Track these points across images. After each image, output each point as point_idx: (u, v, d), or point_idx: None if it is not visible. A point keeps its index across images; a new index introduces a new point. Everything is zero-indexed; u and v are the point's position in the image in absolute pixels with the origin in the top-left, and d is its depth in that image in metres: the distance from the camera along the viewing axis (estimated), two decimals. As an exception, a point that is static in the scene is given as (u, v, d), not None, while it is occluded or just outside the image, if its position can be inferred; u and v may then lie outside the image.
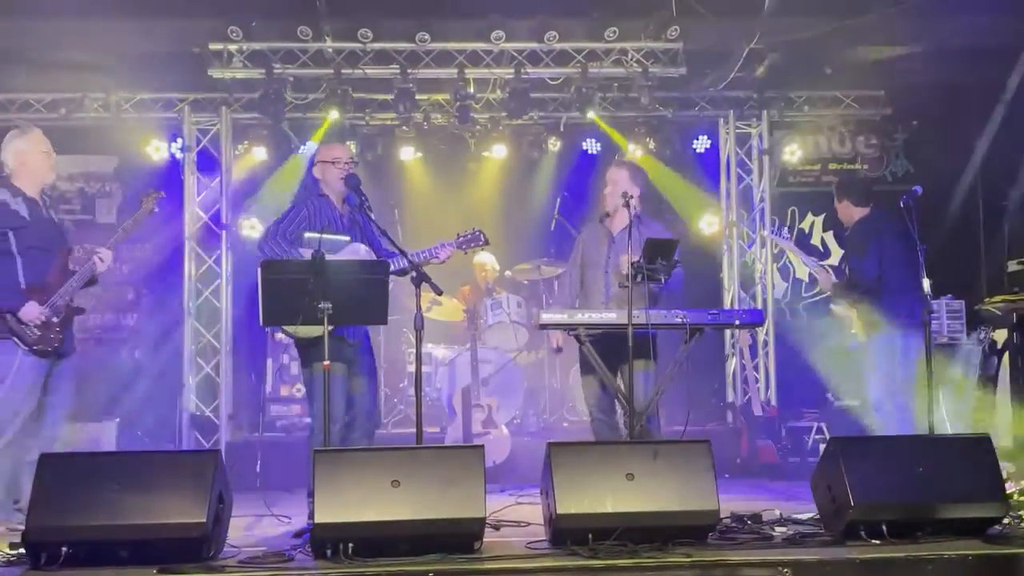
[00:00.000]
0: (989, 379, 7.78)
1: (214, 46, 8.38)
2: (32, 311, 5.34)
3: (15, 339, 5.33)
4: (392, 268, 5.38)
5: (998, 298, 7.54)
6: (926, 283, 5.72)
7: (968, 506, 4.58)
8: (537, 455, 4.80)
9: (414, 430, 4.96)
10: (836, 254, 9.84)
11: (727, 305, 9.52)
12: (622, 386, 5.67)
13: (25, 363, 5.35)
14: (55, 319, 5.43)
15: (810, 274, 10.18)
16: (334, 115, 8.79)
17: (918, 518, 4.54)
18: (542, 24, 8.41)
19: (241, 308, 9.10)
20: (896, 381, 6.31)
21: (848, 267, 6.63)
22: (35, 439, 5.35)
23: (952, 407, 7.17)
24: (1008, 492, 5.00)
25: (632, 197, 5.77)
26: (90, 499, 4.23)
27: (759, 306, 9.43)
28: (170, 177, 9.15)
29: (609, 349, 5.64)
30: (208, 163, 9.29)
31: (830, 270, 6.92)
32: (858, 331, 6.64)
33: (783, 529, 4.87)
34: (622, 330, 5.34)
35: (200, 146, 9.28)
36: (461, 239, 5.90)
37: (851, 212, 6.66)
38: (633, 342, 5.32)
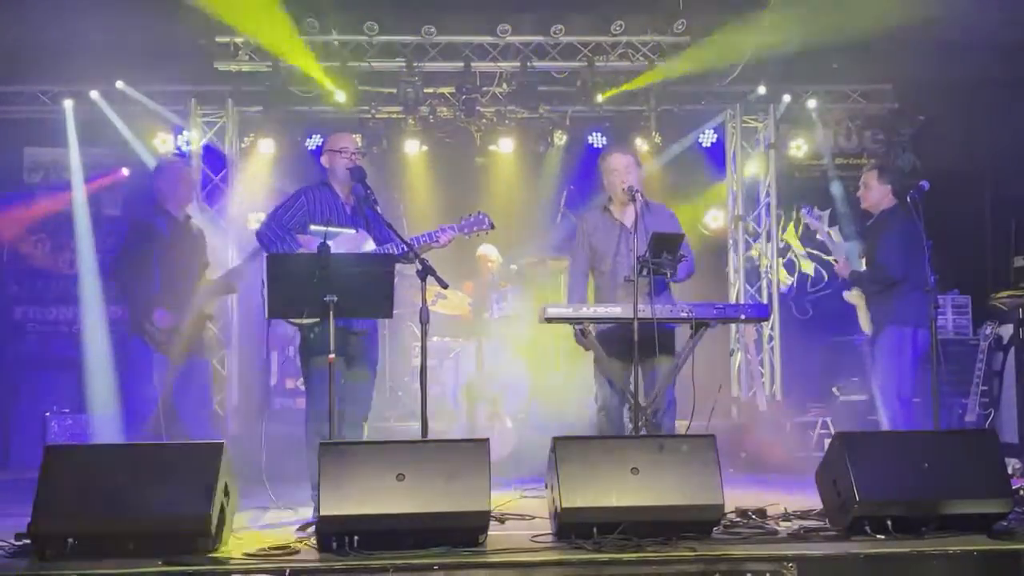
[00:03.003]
0: (995, 375, 7.77)
1: (220, 39, 8.39)
2: (161, 318, 6.09)
3: (145, 338, 6.11)
4: (395, 253, 5.40)
5: (1004, 293, 7.53)
6: (932, 278, 5.71)
7: (973, 502, 4.57)
8: (542, 449, 4.80)
9: (419, 424, 4.96)
10: (842, 248, 9.81)
11: (733, 299, 9.51)
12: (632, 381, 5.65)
13: (155, 359, 6.11)
14: (184, 323, 6.16)
15: (816, 268, 10.18)
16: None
17: (923, 514, 4.53)
18: (548, 18, 8.42)
19: (246, 301, 9.10)
20: (902, 376, 6.30)
21: (870, 259, 6.55)
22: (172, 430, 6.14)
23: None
24: (1014, 488, 4.99)
25: (638, 191, 5.72)
26: (96, 491, 4.25)
27: (765, 300, 9.42)
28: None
29: (628, 343, 5.58)
30: (214, 156, 9.30)
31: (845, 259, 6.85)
32: (863, 322, 6.62)
33: (788, 524, 4.88)
34: (629, 323, 5.34)
35: (206, 139, 9.29)
36: (464, 222, 5.78)
37: (883, 198, 6.59)
38: (653, 336, 5.31)
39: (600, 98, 9.00)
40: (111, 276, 6.38)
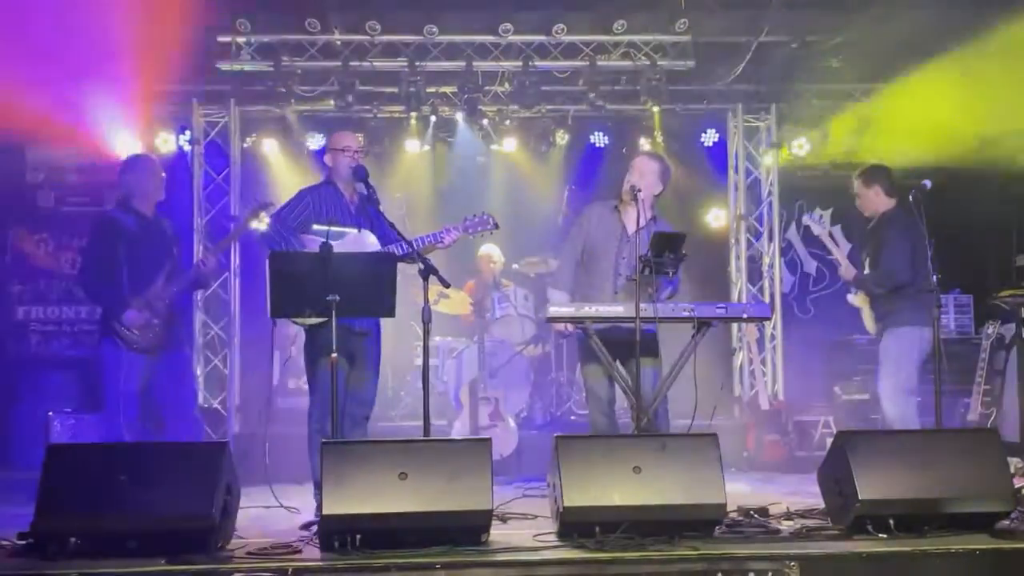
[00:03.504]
0: (997, 373, 7.76)
1: (222, 39, 8.39)
2: (131, 317, 5.97)
3: (117, 338, 5.98)
4: (398, 253, 5.40)
5: (1006, 292, 7.50)
6: (934, 277, 5.70)
7: (975, 501, 4.57)
8: (544, 448, 4.81)
9: (421, 423, 4.96)
10: (844, 248, 9.79)
11: (735, 299, 9.50)
12: (628, 380, 5.66)
13: (129, 357, 6.00)
14: (155, 320, 6.04)
15: (818, 267, 10.17)
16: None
17: (925, 512, 4.53)
18: (550, 17, 8.41)
19: (249, 300, 9.10)
20: (900, 376, 6.30)
21: (874, 261, 6.53)
22: (153, 428, 6.15)
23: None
24: (1016, 487, 4.98)
25: (640, 191, 5.72)
26: (99, 490, 4.26)
27: (767, 300, 9.42)
28: (178, 170, 9.16)
29: (611, 345, 5.63)
30: (216, 156, 9.30)
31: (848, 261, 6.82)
32: (868, 324, 6.61)
33: (790, 523, 4.88)
34: (630, 324, 5.34)
35: (208, 139, 9.30)
36: (468, 223, 5.83)
37: (879, 201, 6.57)
38: (634, 340, 5.31)
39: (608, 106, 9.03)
40: (77, 276, 6.23)
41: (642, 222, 5.68)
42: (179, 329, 6.38)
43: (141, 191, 6.27)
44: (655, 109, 9.05)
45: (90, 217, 6.39)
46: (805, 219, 7.33)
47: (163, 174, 6.46)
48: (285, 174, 9.38)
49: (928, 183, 5.78)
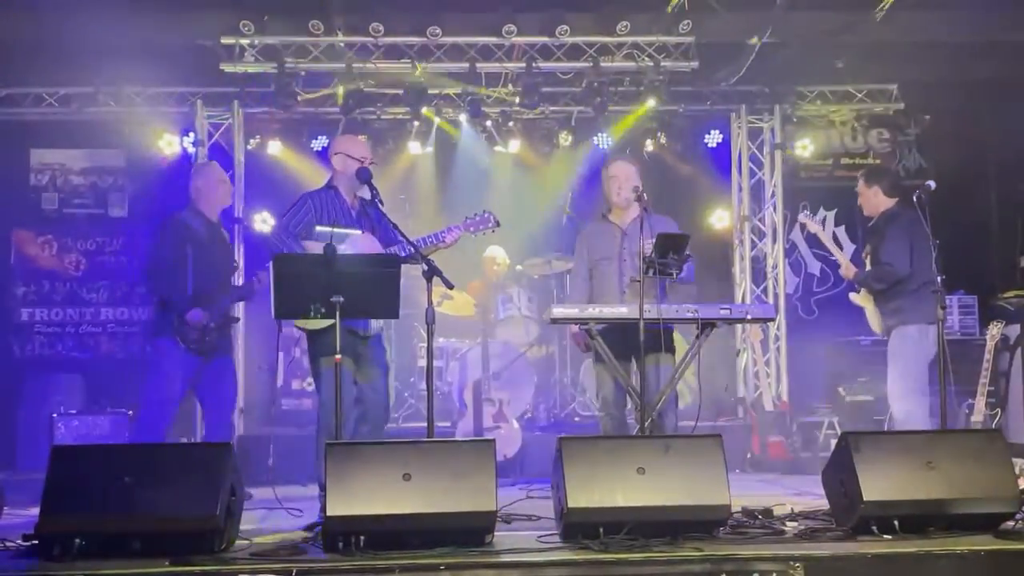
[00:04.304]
0: (1001, 375, 7.75)
1: (226, 40, 8.40)
2: (196, 315, 6.25)
3: (177, 338, 6.24)
4: (402, 254, 5.41)
5: (1011, 293, 7.49)
6: (939, 278, 5.69)
7: (980, 502, 4.56)
8: (548, 449, 4.80)
9: (425, 424, 4.96)
10: (848, 249, 9.80)
11: (739, 300, 9.50)
12: (636, 379, 5.65)
13: (184, 358, 6.28)
14: (212, 324, 6.33)
15: (822, 269, 10.17)
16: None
17: (930, 513, 4.53)
18: (553, 18, 8.42)
19: (253, 302, 9.09)
20: (909, 376, 6.29)
21: (875, 259, 6.53)
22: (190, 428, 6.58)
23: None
24: (1021, 488, 4.97)
25: (643, 192, 5.73)
26: (103, 491, 4.25)
27: (771, 301, 9.41)
28: (182, 171, 9.17)
29: (627, 341, 5.60)
30: (220, 157, 9.30)
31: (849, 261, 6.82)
32: (872, 323, 6.61)
33: (794, 524, 4.87)
34: (635, 323, 5.33)
35: (212, 140, 9.31)
36: (470, 221, 5.85)
37: (879, 201, 6.58)
38: (653, 335, 5.31)
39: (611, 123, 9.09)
40: (144, 274, 6.49)
41: (634, 214, 5.70)
42: (230, 335, 6.71)
43: (209, 197, 6.52)
44: (651, 103, 9.03)
45: (156, 217, 6.89)
46: (801, 217, 7.34)
47: (229, 182, 6.77)
48: (289, 176, 9.39)
49: (932, 184, 5.78)
